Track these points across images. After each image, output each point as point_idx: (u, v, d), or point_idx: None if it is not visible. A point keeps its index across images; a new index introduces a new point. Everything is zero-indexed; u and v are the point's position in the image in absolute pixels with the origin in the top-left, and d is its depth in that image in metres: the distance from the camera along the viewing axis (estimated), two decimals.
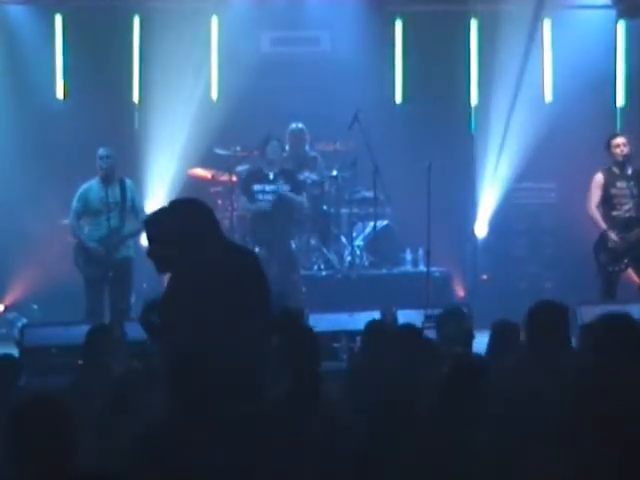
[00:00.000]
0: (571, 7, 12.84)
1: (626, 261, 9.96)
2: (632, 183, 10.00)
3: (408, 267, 11.73)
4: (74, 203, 9.86)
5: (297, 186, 10.90)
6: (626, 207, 9.99)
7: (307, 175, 11.52)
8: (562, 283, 11.82)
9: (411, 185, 11.10)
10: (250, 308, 5.38)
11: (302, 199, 10.95)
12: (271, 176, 10.79)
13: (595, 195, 10.04)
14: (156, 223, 5.63)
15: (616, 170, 10.02)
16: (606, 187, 10.00)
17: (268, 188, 10.76)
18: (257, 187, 10.79)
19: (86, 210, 9.83)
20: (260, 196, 10.78)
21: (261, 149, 11.34)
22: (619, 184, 10.01)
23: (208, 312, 5.28)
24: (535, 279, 12.13)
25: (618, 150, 9.96)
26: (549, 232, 12.28)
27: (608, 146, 10.04)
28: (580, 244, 10.70)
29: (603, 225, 9.95)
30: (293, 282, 10.63)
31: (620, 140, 10.03)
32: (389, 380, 5.19)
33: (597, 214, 10.01)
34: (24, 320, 11.10)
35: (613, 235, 9.91)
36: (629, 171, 10.04)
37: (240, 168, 11.59)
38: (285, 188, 10.76)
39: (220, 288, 5.31)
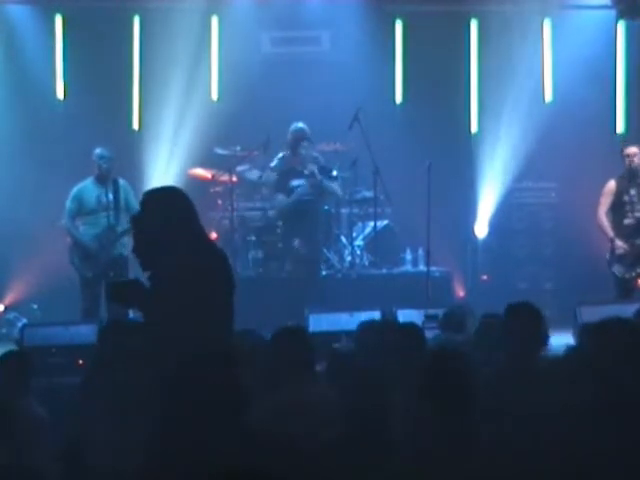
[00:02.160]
0: (571, 7, 12.85)
1: None
2: None
3: (408, 267, 11.73)
4: (68, 204, 9.89)
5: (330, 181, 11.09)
6: (638, 214, 9.97)
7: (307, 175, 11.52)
8: (562, 283, 11.84)
9: (411, 185, 11.10)
10: (215, 312, 5.31)
11: (336, 187, 11.15)
12: (306, 171, 10.97)
13: (605, 202, 9.99)
14: (140, 219, 5.55)
15: (628, 178, 10.01)
16: (618, 195, 9.97)
17: (306, 183, 10.99)
18: (295, 182, 11.01)
19: (81, 210, 9.85)
20: (300, 190, 11.00)
21: (261, 150, 11.39)
22: (632, 191, 9.99)
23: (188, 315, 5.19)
24: (535, 279, 12.14)
25: (627, 160, 9.97)
26: (549, 232, 12.28)
27: (621, 153, 10.06)
28: (580, 244, 10.72)
29: (610, 233, 9.91)
30: (314, 281, 10.70)
31: (630, 150, 10.02)
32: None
33: (605, 222, 9.97)
34: (24, 320, 11.10)
35: (621, 243, 9.88)
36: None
37: (240, 168, 11.59)
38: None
39: (197, 290, 5.22)
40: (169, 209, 5.33)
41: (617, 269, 9.88)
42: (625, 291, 9.88)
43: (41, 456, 5.00)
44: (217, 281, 5.31)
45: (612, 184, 10.02)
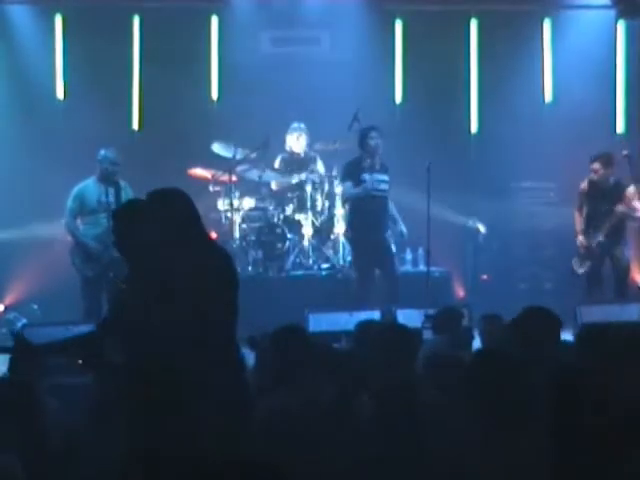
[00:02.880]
0: (571, 7, 12.86)
1: (589, 263, 10.35)
2: (607, 205, 10.25)
3: (408, 267, 11.72)
4: (69, 203, 9.83)
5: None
6: (596, 223, 10.28)
7: (307, 175, 11.53)
8: (562, 283, 11.81)
9: (411, 185, 11.09)
10: (221, 314, 5.31)
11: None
12: (377, 166, 10.59)
13: (579, 200, 10.47)
14: (131, 217, 5.52)
15: (596, 188, 10.25)
16: (587, 201, 10.38)
17: (379, 177, 10.56)
18: (367, 176, 10.53)
19: (82, 210, 9.81)
20: (370, 185, 10.50)
21: (261, 149, 11.37)
22: (598, 205, 10.31)
23: (190, 314, 5.17)
24: (535, 279, 12.13)
25: (592, 174, 10.28)
26: (549, 232, 12.27)
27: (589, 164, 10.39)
28: None
29: (577, 228, 10.42)
30: (390, 276, 10.52)
31: (594, 166, 10.30)
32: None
33: (577, 217, 10.46)
34: (24, 320, 11.09)
35: (582, 239, 10.35)
36: (610, 185, 10.18)
37: (240, 168, 11.59)
38: (386, 179, 10.62)
39: (203, 290, 5.20)
40: (172, 210, 5.33)
41: (574, 262, 10.45)
42: (587, 284, 10.40)
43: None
44: (221, 281, 5.31)
45: (585, 186, 10.42)
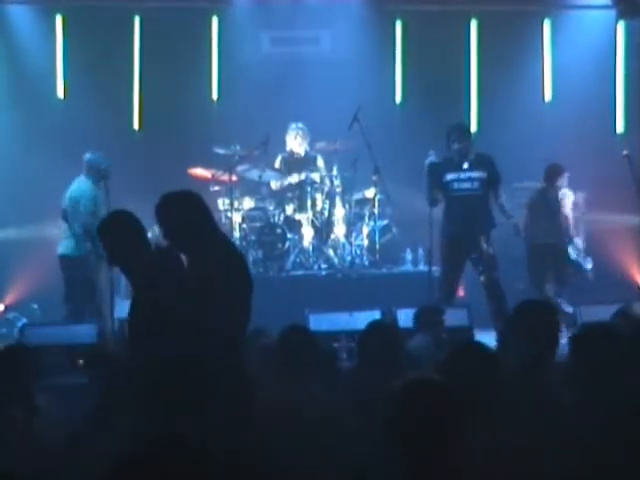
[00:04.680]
0: (571, 7, 12.87)
1: None
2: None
3: (408, 267, 11.73)
4: (88, 205, 9.69)
5: (496, 173, 9.89)
6: None
7: (307, 175, 11.54)
8: None
9: (411, 185, 11.09)
10: (237, 309, 5.36)
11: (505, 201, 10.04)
12: (465, 165, 9.75)
13: None
14: (116, 228, 5.57)
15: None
16: None
17: (463, 176, 9.72)
18: (450, 176, 9.71)
19: (77, 210, 9.76)
20: (455, 185, 9.70)
21: (261, 150, 11.38)
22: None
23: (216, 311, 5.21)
24: None
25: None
26: None
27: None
28: None
29: None
30: (488, 282, 9.98)
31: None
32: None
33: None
34: (24, 320, 11.10)
35: None
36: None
37: (240, 168, 11.59)
38: (483, 175, 9.77)
39: (222, 288, 5.25)
40: (185, 211, 5.37)
41: None
42: None
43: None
44: (240, 280, 5.36)
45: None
